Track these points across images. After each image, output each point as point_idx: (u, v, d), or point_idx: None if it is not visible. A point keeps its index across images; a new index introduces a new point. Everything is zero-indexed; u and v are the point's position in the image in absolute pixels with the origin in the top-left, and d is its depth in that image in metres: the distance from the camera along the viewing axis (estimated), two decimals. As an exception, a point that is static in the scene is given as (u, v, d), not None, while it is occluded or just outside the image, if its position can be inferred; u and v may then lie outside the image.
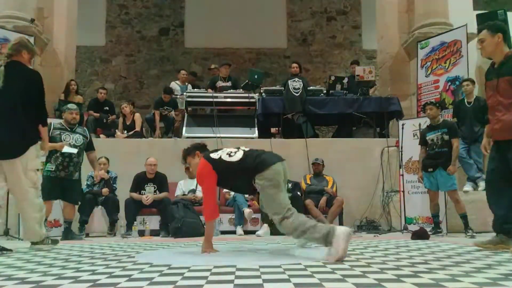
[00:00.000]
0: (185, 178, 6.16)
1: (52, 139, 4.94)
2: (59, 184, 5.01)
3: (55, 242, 3.99)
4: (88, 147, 5.30)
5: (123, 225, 5.70)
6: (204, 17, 12.03)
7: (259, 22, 11.89)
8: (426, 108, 5.40)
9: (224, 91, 7.40)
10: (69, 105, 5.37)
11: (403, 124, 6.12)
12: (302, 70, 8.33)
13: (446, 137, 5.17)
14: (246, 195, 6.02)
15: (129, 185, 5.92)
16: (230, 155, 3.22)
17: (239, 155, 3.20)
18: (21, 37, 3.96)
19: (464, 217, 4.99)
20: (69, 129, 5.18)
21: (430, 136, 5.29)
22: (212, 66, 8.96)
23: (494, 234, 3.44)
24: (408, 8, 8.37)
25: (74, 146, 5.09)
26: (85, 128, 5.69)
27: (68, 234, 5.15)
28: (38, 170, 3.73)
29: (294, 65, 7.89)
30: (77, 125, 5.30)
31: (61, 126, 5.19)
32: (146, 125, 7.92)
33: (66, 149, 4.97)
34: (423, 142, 5.41)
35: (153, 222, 5.81)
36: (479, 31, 3.35)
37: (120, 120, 7.54)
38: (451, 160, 5.17)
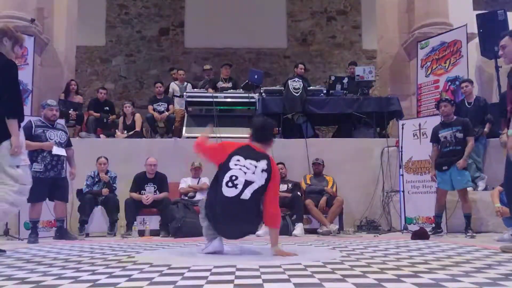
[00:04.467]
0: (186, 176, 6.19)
1: (36, 138, 4.85)
2: (49, 184, 4.90)
3: None
4: (67, 142, 5.20)
5: (123, 225, 5.69)
6: (204, 17, 12.02)
7: (259, 22, 11.87)
8: (441, 105, 5.32)
9: (224, 92, 7.40)
10: (49, 101, 5.22)
11: (403, 124, 6.11)
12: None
13: (459, 135, 5.06)
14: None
15: (129, 185, 5.91)
16: None
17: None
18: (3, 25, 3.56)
19: (467, 217, 4.95)
20: (50, 126, 5.07)
21: (443, 134, 5.19)
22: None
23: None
24: (408, 8, 8.36)
25: (60, 144, 5.02)
26: (63, 124, 5.56)
27: (62, 233, 5.05)
28: (18, 166, 3.21)
29: (301, 66, 7.95)
30: (56, 121, 5.19)
31: (42, 123, 5.04)
32: (146, 125, 7.91)
33: (57, 151, 4.90)
34: (435, 139, 5.29)
35: (153, 222, 5.80)
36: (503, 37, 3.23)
37: (120, 120, 7.53)
38: None
